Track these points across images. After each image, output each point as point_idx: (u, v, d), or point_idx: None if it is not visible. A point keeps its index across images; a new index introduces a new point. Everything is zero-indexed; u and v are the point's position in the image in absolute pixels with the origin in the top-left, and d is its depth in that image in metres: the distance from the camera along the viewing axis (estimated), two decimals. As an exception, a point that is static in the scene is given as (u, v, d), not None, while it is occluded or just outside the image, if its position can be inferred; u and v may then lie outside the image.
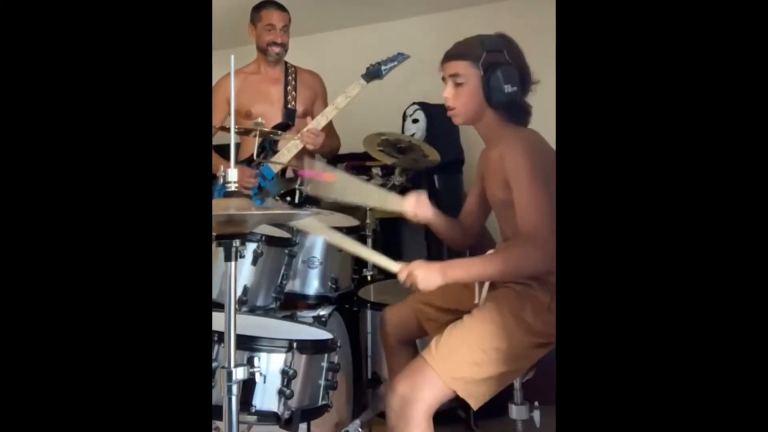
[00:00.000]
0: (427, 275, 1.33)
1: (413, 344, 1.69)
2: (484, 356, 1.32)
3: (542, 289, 1.38)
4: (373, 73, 2.26)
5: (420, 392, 1.27)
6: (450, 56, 1.46)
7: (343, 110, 2.29)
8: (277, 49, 2.46)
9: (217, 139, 1.98)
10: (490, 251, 1.50)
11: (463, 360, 1.31)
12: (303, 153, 2.33)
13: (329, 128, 2.46)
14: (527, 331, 1.35)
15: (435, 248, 2.43)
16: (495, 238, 1.71)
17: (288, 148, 2.26)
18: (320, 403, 1.40)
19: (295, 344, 1.32)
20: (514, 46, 1.45)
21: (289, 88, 2.50)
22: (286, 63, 2.54)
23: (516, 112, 1.45)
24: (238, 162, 1.96)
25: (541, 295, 1.37)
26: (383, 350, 1.74)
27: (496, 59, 1.40)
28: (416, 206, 1.57)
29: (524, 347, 1.35)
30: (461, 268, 1.38)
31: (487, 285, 1.46)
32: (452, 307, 1.55)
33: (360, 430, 1.82)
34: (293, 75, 2.53)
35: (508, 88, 1.39)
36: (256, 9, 2.49)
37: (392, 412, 1.29)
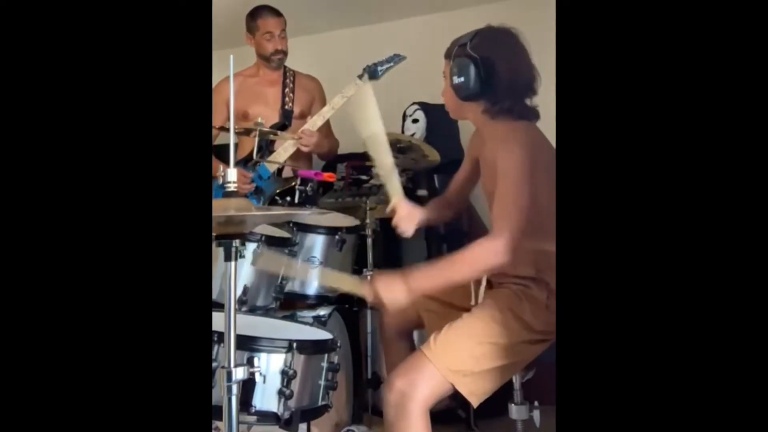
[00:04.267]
0: (390, 292, 1.28)
1: (410, 337, 1.69)
2: (483, 350, 1.32)
3: (539, 288, 1.38)
4: (369, 74, 2.28)
5: (418, 386, 1.27)
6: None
7: (344, 110, 2.29)
8: (279, 56, 2.48)
9: (215, 139, 1.98)
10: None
11: (461, 353, 1.31)
12: (300, 153, 2.33)
13: (327, 130, 2.46)
14: (525, 327, 1.36)
15: (435, 247, 2.43)
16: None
17: (284, 148, 2.27)
18: (320, 403, 1.40)
19: (294, 344, 1.32)
20: (484, 38, 1.39)
21: (286, 90, 2.51)
22: (285, 67, 2.55)
23: (495, 105, 1.40)
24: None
25: (538, 294, 1.38)
26: (381, 343, 1.73)
27: (458, 53, 1.39)
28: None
29: (522, 342, 1.35)
30: (425, 279, 1.33)
31: (483, 286, 1.46)
32: (449, 301, 1.55)
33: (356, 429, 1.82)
34: (291, 78, 2.54)
35: (455, 80, 1.38)
36: (251, 17, 2.48)
37: (390, 407, 1.29)
